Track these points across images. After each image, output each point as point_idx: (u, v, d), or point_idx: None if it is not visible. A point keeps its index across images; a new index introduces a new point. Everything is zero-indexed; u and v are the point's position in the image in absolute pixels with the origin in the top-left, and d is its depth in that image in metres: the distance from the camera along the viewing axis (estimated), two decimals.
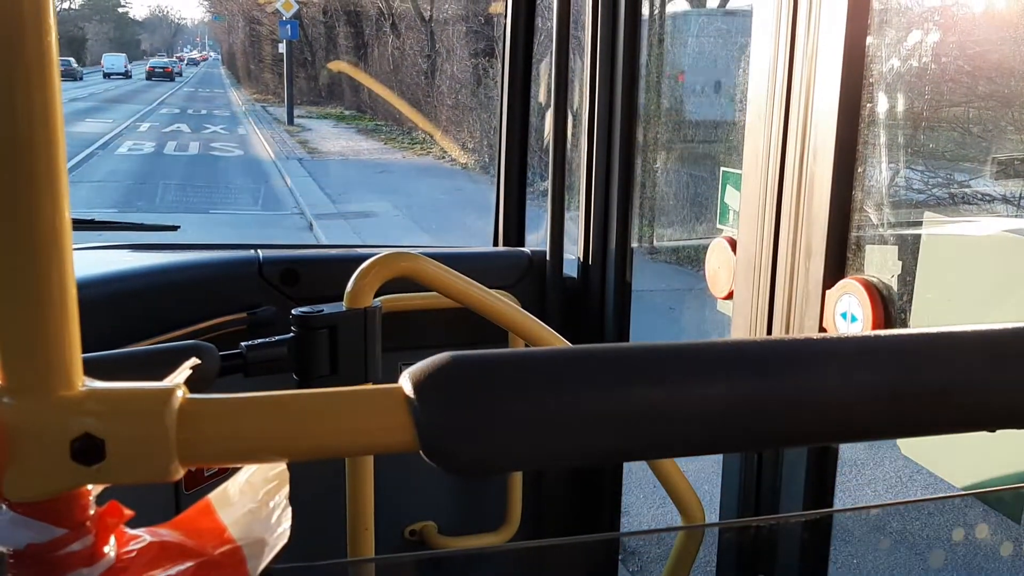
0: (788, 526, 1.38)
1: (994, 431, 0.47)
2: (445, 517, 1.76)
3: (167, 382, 0.41)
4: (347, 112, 28.74)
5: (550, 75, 1.79)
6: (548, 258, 1.82)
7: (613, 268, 1.81)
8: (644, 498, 3.39)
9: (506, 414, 0.41)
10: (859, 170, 1.21)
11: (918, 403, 0.45)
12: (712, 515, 1.46)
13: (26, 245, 0.38)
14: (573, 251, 1.91)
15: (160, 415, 0.40)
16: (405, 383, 0.41)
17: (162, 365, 0.75)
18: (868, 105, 1.21)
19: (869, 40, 1.19)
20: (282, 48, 36.48)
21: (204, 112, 29.39)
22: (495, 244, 2.03)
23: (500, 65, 1.98)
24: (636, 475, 3.02)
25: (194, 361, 0.47)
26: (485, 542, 1.81)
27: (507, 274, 1.84)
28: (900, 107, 1.36)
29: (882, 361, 0.45)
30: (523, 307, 1.46)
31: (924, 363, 0.45)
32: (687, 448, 0.46)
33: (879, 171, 1.28)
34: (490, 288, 1.43)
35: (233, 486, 0.46)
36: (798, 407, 0.44)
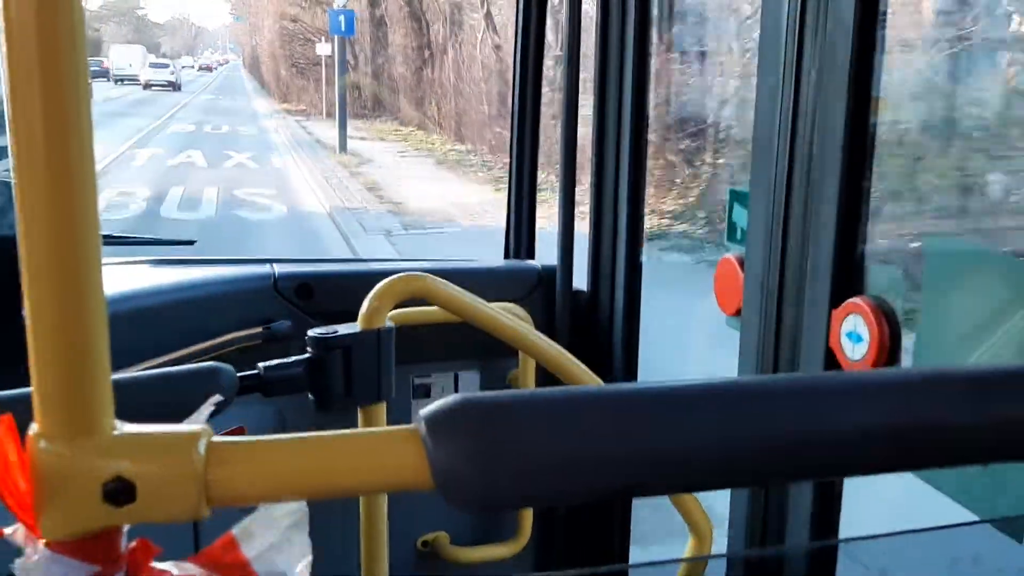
0: (796, 555, 1.42)
1: (986, 465, 0.54)
2: (457, 528, 1.84)
3: (194, 422, 0.47)
4: (407, 129, 24.24)
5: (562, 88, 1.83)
6: (558, 272, 1.94)
7: (623, 282, 1.91)
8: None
9: (517, 456, 0.47)
10: (866, 189, 1.25)
11: (915, 439, 0.51)
12: (720, 533, 1.51)
13: (60, 296, 0.42)
14: (584, 264, 1.98)
15: (189, 458, 0.45)
16: (420, 425, 0.47)
17: (182, 387, 0.98)
18: (876, 124, 1.26)
19: (877, 58, 1.23)
20: (321, 49, 27.60)
21: (225, 130, 24.42)
22: (506, 257, 2.18)
23: (512, 79, 2.12)
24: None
25: (217, 398, 0.53)
26: (497, 553, 1.90)
27: (517, 288, 1.96)
28: (909, 127, 1.33)
29: (881, 399, 0.51)
30: (533, 320, 1.66)
31: (920, 401, 0.51)
32: (693, 486, 0.54)
33: (887, 191, 1.25)
34: (500, 302, 1.57)
35: (255, 522, 0.51)
36: (799, 445, 0.49)
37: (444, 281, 1.37)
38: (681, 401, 0.49)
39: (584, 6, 1.89)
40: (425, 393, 1.92)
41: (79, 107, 0.41)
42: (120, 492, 0.44)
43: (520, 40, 2.04)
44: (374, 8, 24.27)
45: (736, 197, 1.61)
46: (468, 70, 18.33)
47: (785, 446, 0.49)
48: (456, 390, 1.98)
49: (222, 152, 17.73)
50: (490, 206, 11.81)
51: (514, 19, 2.03)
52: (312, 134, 23.66)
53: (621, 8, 1.81)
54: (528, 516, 1.87)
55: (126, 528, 0.46)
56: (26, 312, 0.43)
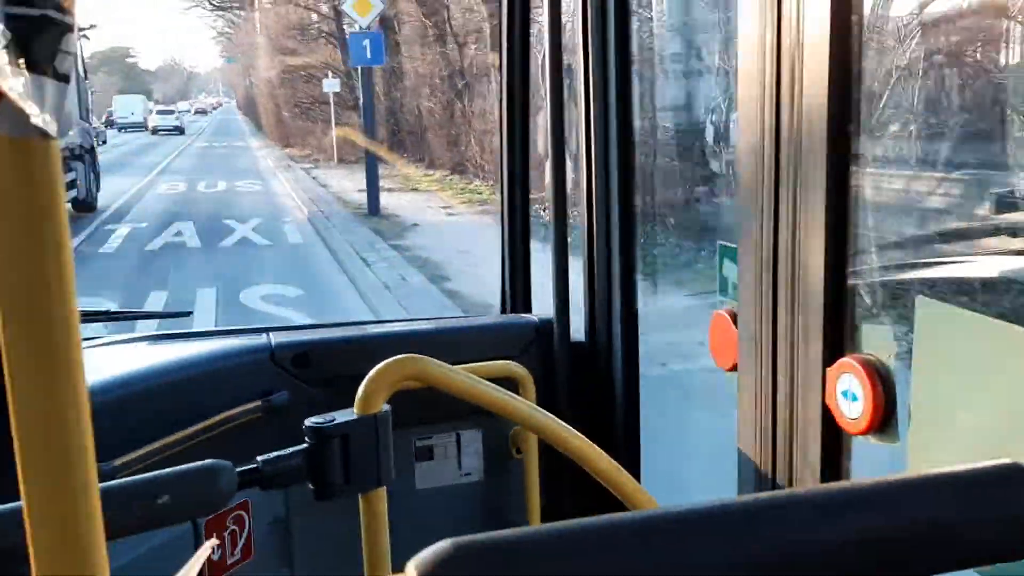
0: None
1: (982, 566, 0.57)
2: None
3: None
4: (438, 174, 20.23)
5: (547, 138, 2.07)
6: (555, 324, 2.07)
7: (620, 332, 2.02)
8: None
9: None
10: (851, 252, 1.36)
11: (904, 548, 0.53)
12: None
13: (48, 442, 0.42)
14: (580, 316, 2.18)
15: None
16: (411, 573, 0.47)
17: (182, 487, 0.98)
18: (857, 184, 1.35)
19: (854, 110, 1.32)
20: (328, 85, 23.04)
21: (222, 188, 20.53)
22: (503, 311, 2.32)
23: (499, 132, 2.29)
24: None
25: (207, 553, 0.53)
26: None
27: (514, 343, 2.08)
28: (892, 186, 1.58)
29: (866, 508, 0.52)
30: (532, 375, 1.83)
31: (906, 508, 0.53)
32: None
33: (872, 254, 1.43)
34: (498, 359, 1.78)
35: None
36: (793, 562, 0.51)
37: (439, 363, 1.44)
38: (693, 532, 0.50)
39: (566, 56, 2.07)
40: (428, 455, 1.96)
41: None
42: None
43: (505, 95, 2.24)
44: (387, 33, 19.94)
45: (725, 252, 1.69)
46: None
47: (810, 563, 0.50)
48: (459, 451, 2.00)
49: (221, 222, 14.76)
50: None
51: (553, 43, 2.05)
52: (327, 186, 19.63)
53: (602, 54, 1.95)
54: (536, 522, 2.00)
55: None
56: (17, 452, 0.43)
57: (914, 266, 1.46)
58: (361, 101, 15.55)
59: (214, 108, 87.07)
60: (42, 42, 0.38)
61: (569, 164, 2.07)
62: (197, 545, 0.88)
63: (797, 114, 1.33)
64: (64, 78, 0.38)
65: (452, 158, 19.89)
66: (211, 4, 47.88)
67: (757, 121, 1.41)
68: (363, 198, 16.44)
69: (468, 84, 19.20)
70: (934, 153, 1.58)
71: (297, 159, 28.53)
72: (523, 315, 2.20)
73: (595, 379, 2.03)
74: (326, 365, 1.83)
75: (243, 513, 1.74)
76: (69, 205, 20.46)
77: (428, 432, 1.94)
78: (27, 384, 0.40)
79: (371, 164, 15.43)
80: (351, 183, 19.29)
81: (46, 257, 0.39)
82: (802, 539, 0.50)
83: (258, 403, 1.75)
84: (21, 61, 0.37)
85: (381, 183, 17.11)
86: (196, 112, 79.72)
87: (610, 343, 2.02)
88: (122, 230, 14.06)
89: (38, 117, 0.37)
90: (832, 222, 1.30)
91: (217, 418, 1.65)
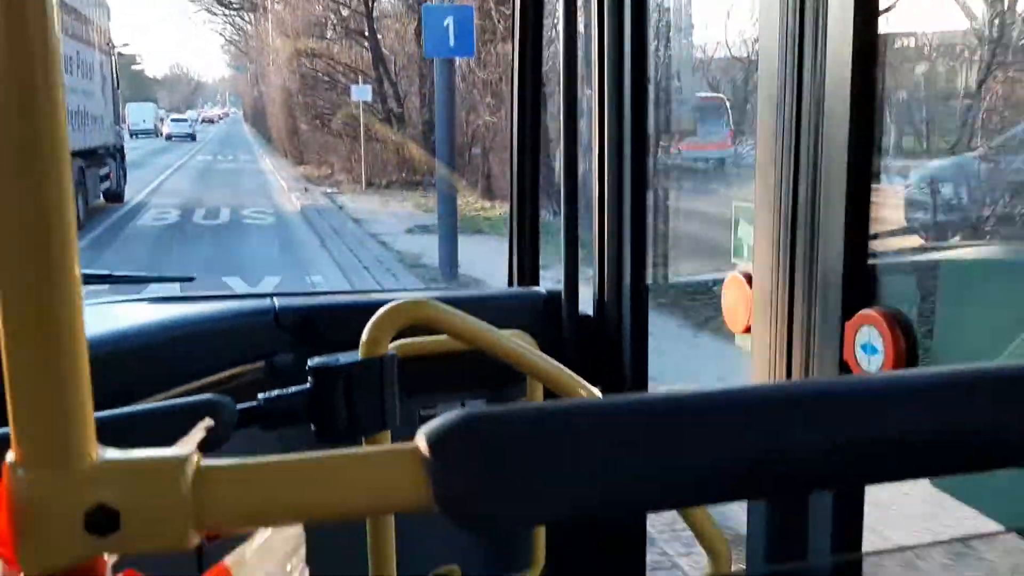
0: (821, 571, 1.50)
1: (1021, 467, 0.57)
2: (469, 561, 1.86)
3: (181, 447, 0.48)
4: (501, 206, 15.61)
5: (559, 111, 2.10)
6: (563, 297, 2.09)
7: (629, 305, 2.05)
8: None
9: (522, 471, 0.47)
10: (874, 199, 1.40)
11: (944, 443, 0.52)
12: (738, 554, 1.60)
13: (37, 317, 0.44)
14: (590, 289, 2.24)
15: (175, 483, 0.46)
16: (421, 442, 0.47)
17: (179, 421, 0.90)
18: (880, 134, 1.44)
19: (878, 65, 1.36)
20: (357, 94, 18.33)
21: (224, 219, 16.21)
22: (510, 284, 2.35)
23: (509, 103, 2.32)
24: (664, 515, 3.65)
25: (208, 422, 0.53)
26: None
27: (523, 314, 2.08)
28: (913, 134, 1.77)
29: (903, 402, 0.52)
30: (540, 347, 1.68)
31: (949, 403, 0.52)
32: (707, 499, 0.54)
33: (895, 198, 1.56)
34: (506, 329, 1.70)
35: (250, 550, 0.52)
36: (818, 452, 0.51)
37: (447, 307, 1.41)
38: (694, 411, 0.50)
39: (580, 26, 2.09)
40: None
41: (53, 112, 0.44)
42: (103, 521, 0.44)
43: (517, 69, 2.24)
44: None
45: (741, 212, 1.72)
46: None
47: (802, 454, 0.50)
48: None
49: (220, 280, 10.17)
50: None
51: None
52: (362, 224, 14.44)
53: (617, 28, 1.97)
54: (541, 545, 1.94)
55: (113, 558, 0.49)
56: (1, 337, 0.45)
57: (940, 214, 1.65)
58: (436, 111, 10.66)
59: (221, 118, 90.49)
60: None
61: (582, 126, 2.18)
62: (201, 546, 0.59)
63: (820, 66, 1.36)
64: None
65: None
66: (219, 3, 45.56)
67: (777, 75, 1.45)
68: (415, 245, 13.09)
69: (544, 92, 14.71)
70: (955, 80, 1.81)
71: (315, 180, 25.24)
72: (531, 288, 2.23)
73: (603, 352, 2.06)
74: (331, 330, 1.80)
75: None
76: (101, 196, 18.44)
77: (432, 402, 1.89)
78: (24, 333, 0.42)
79: (447, 206, 10.67)
80: (391, 217, 14.86)
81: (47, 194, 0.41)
82: (865, 422, 0.49)
83: (260, 364, 1.75)
84: None
85: (413, 212, 12.44)
86: (203, 121, 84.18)
87: (619, 316, 2.04)
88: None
89: None
90: (854, 173, 1.33)
91: (217, 376, 1.64)
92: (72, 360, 0.43)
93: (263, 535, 0.52)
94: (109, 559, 0.46)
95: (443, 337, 1.41)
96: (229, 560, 0.50)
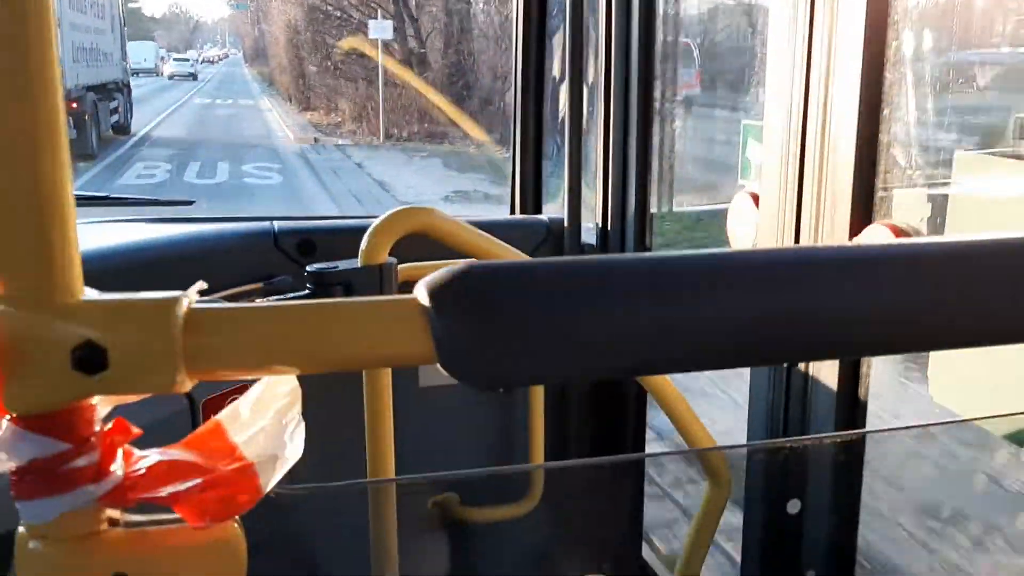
0: (820, 448, 1.50)
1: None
2: (467, 488, 1.96)
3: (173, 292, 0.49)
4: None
5: (564, 42, 2.07)
6: (566, 225, 2.13)
7: (633, 235, 2.06)
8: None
9: (526, 324, 0.46)
10: (885, 112, 1.40)
11: (948, 314, 0.51)
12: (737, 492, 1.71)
13: (23, 151, 0.43)
14: (592, 218, 2.22)
15: (165, 322, 0.44)
16: (421, 293, 0.47)
17: None
18: (894, 44, 1.38)
19: None
20: (375, 30, 16.05)
21: (222, 178, 13.84)
22: (512, 212, 2.36)
23: (513, 32, 2.30)
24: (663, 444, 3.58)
25: (202, 284, 0.50)
26: (508, 513, 2.02)
27: (525, 242, 2.09)
28: (927, 46, 1.58)
29: (911, 271, 0.51)
30: None
31: (956, 272, 0.51)
32: (710, 363, 0.52)
33: (906, 113, 1.44)
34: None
35: (244, 405, 0.51)
36: (823, 318, 0.50)
37: (448, 216, 1.43)
38: (701, 269, 0.49)
39: None
40: None
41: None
42: (91, 359, 0.43)
43: None
44: None
45: (749, 131, 1.70)
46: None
47: (808, 319, 0.49)
48: None
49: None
50: None
51: None
52: (387, 188, 12.68)
53: None
54: (540, 475, 1.98)
55: (104, 410, 0.48)
56: None
57: (952, 119, 1.42)
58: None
59: (220, 59, 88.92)
60: None
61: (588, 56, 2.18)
62: (195, 425, 0.64)
63: None
64: None
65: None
66: None
67: None
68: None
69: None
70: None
71: (324, 129, 21.69)
72: (534, 215, 2.22)
73: None
74: (331, 252, 1.71)
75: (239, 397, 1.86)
76: (110, 128, 19.01)
77: None
78: (9, 172, 0.41)
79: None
80: (419, 177, 12.62)
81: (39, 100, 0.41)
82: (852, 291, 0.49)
83: (259, 285, 1.74)
84: None
85: (446, 172, 10.69)
86: (203, 61, 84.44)
87: (623, 246, 2.04)
88: None
89: None
90: (866, 86, 1.34)
91: (216, 295, 1.64)
92: (58, 195, 0.42)
93: (258, 390, 0.50)
94: (99, 407, 0.46)
95: (443, 262, 1.10)
96: (223, 415, 0.49)
